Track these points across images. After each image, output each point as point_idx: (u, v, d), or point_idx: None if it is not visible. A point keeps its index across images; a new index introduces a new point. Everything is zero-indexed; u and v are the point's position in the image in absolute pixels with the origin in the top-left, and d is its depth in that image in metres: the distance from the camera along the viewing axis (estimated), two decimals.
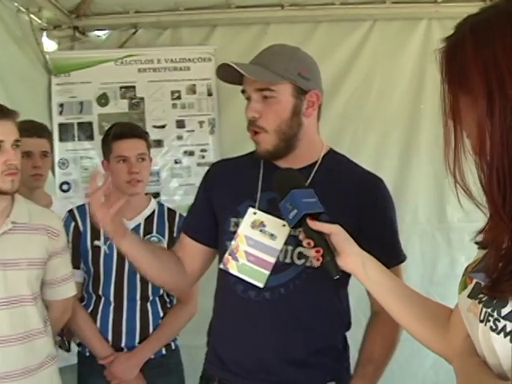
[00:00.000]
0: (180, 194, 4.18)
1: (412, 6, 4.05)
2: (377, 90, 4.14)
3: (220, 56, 4.16)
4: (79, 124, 4.21)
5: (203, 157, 4.21)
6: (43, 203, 2.76)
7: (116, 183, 2.72)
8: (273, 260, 1.89)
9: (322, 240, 1.59)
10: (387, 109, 4.12)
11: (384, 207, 1.99)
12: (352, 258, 1.59)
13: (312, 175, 1.95)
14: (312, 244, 1.59)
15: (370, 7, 4.08)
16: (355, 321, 2.10)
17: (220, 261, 2.04)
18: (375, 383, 1.99)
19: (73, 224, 2.72)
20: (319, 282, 1.72)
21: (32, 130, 2.83)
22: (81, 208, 2.80)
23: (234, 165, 2.15)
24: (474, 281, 1.16)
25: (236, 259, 1.94)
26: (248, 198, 1.97)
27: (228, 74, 1.91)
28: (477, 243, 1.18)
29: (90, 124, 4.21)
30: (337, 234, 1.61)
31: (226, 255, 1.96)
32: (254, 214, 1.93)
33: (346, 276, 1.73)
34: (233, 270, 1.94)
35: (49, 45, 4.30)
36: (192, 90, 4.23)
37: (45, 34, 4.26)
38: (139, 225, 2.76)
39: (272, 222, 1.87)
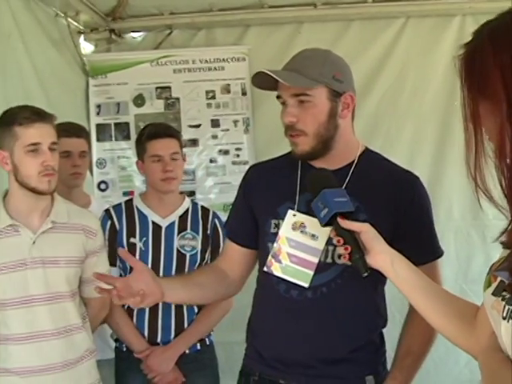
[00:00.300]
0: (215, 193, 4.23)
1: (445, 2, 4.04)
2: (410, 88, 4.14)
3: (254, 55, 4.24)
4: (116, 124, 4.30)
5: (238, 155, 4.26)
6: (82, 202, 2.84)
7: (151, 182, 2.80)
8: (316, 260, 1.92)
9: (351, 238, 1.64)
10: (421, 106, 4.12)
11: (421, 204, 2.01)
12: (381, 255, 1.63)
13: (349, 175, 1.98)
14: (342, 242, 1.64)
15: (403, 4, 4.08)
16: (390, 318, 2.14)
17: (261, 262, 2.09)
18: (413, 375, 2.02)
19: (109, 222, 2.79)
20: (359, 281, 1.74)
21: (71, 130, 2.92)
22: (117, 207, 2.87)
23: (272, 167, 2.18)
24: (498, 279, 1.19)
25: (279, 261, 1.97)
26: (287, 200, 2.00)
27: (263, 80, 1.94)
28: (501, 243, 1.20)
29: (126, 124, 4.29)
30: (366, 232, 1.65)
31: (269, 258, 1.99)
32: (294, 215, 1.96)
33: (382, 274, 1.76)
34: (277, 271, 1.98)
35: (86, 47, 4.40)
36: (226, 89, 4.28)
37: (82, 36, 4.36)
38: (173, 222, 2.82)
39: (312, 223, 1.89)
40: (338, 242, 1.65)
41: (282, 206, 2.00)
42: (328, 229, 1.77)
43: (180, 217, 2.84)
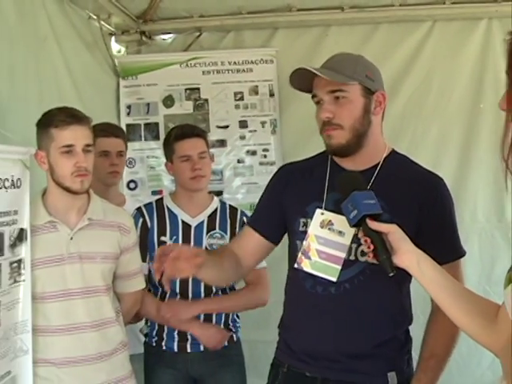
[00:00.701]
0: (242, 193, 4.31)
1: (472, 6, 4.06)
2: (436, 90, 4.19)
3: (281, 58, 4.31)
4: (146, 124, 4.40)
5: (265, 156, 4.33)
6: (117, 201, 2.94)
7: (181, 182, 2.89)
8: (343, 255, 2.00)
9: (379, 239, 1.70)
10: (447, 108, 4.16)
11: (444, 205, 2.07)
12: (407, 255, 1.69)
13: (374, 176, 2.05)
14: (369, 241, 1.71)
15: (430, 8, 4.11)
16: (414, 319, 2.19)
17: (290, 259, 2.17)
18: (438, 377, 2.06)
19: (141, 220, 2.87)
20: (382, 278, 1.80)
21: (109, 130, 3.01)
22: (148, 205, 2.94)
23: (301, 167, 2.25)
24: None
25: (309, 258, 2.05)
26: (315, 200, 2.08)
27: (299, 80, 2.03)
28: None
29: (156, 124, 4.39)
30: (393, 233, 1.71)
31: (299, 255, 2.07)
32: (322, 214, 2.04)
33: (407, 273, 1.82)
34: (306, 268, 2.05)
35: (117, 49, 4.50)
36: (254, 91, 4.36)
37: (113, 38, 4.46)
38: (203, 222, 2.89)
39: (339, 221, 1.96)
40: (366, 241, 1.72)
41: (311, 206, 2.08)
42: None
43: (209, 216, 2.91)
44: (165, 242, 2.84)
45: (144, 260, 2.78)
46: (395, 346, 2.09)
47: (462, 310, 1.60)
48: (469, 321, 1.58)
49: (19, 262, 2.19)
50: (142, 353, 3.04)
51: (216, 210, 2.95)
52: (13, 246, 2.15)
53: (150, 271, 2.84)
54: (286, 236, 2.25)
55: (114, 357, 2.42)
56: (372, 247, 1.71)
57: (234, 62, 4.37)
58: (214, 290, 2.87)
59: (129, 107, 4.39)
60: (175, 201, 2.93)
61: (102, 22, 4.16)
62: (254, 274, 2.82)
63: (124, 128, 4.22)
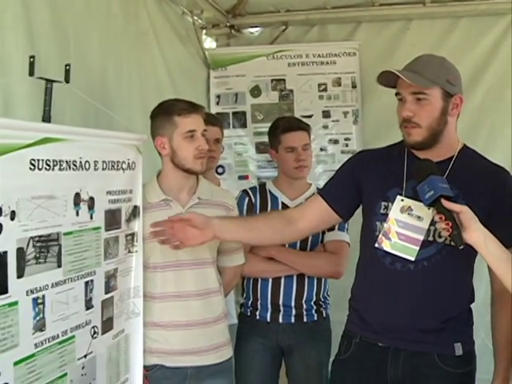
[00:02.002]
0: (324, 179, 4.43)
1: None
2: None
3: (364, 51, 4.48)
4: (234, 113, 4.65)
5: (347, 145, 4.52)
6: (214, 184, 3.16)
7: (284, 170, 3.13)
8: (421, 237, 2.20)
9: (451, 217, 1.94)
10: None
11: (511, 194, 2.25)
12: (476, 233, 1.92)
13: (450, 167, 2.24)
14: (443, 218, 1.94)
15: (511, 1, 4.15)
16: None
17: (366, 237, 2.39)
18: None
19: (247, 199, 3.14)
20: (456, 258, 2.01)
21: (207, 119, 3.23)
22: (252, 188, 3.23)
23: (381, 155, 2.45)
24: None
25: (389, 239, 2.26)
26: (396, 186, 2.28)
27: (386, 77, 2.23)
28: None
29: (243, 113, 4.63)
30: (465, 212, 1.94)
31: (380, 236, 2.28)
32: (402, 200, 2.24)
33: (474, 252, 2.02)
34: (386, 247, 2.26)
35: (208, 42, 4.77)
36: (337, 82, 4.54)
37: (205, 32, 4.73)
38: (301, 204, 3.06)
39: (418, 207, 2.17)
40: (440, 218, 1.95)
41: (392, 191, 2.28)
42: (431, 211, 2.06)
43: (306, 199, 3.10)
44: None
45: None
46: (461, 320, 2.30)
47: None
48: None
49: (133, 235, 2.46)
50: (235, 324, 3.29)
51: (313, 194, 3.11)
52: (128, 220, 2.42)
53: None
54: None
55: (216, 325, 2.64)
56: (447, 223, 1.92)
57: (319, 55, 4.55)
58: None
59: (218, 97, 4.64)
60: (277, 185, 3.17)
61: (195, 17, 4.42)
62: (334, 244, 3.04)
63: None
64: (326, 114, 4.55)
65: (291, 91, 4.58)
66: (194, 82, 4.56)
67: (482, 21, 4.32)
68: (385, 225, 2.25)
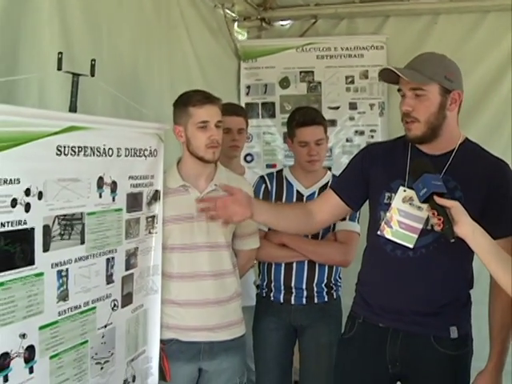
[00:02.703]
0: None
1: None
2: None
3: (391, 44, 4.59)
4: (263, 104, 4.83)
5: (372, 136, 4.65)
6: (238, 171, 3.32)
7: (298, 161, 3.27)
8: (420, 226, 2.33)
9: (443, 212, 2.06)
10: None
11: (508, 187, 2.36)
12: (466, 226, 2.05)
13: (450, 160, 2.37)
14: (436, 214, 2.07)
15: None
16: None
17: (371, 225, 2.54)
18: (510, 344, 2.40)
19: (263, 186, 3.28)
20: (453, 246, 2.14)
21: (230, 110, 3.36)
22: (270, 175, 3.36)
23: (386, 148, 2.60)
24: None
25: (391, 227, 2.39)
26: (399, 177, 2.42)
27: (389, 75, 2.36)
28: None
29: (272, 104, 4.81)
30: (456, 207, 2.07)
31: (383, 224, 2.41)
32: (404, 191, 2.37)
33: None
34: (388, 235, 2.39)
35: (239, 34, 4.94)
36: (365, 75, 4.68)
37: (236, 24, 4.89)
38: (314, 192, 3.22)
39: None
40: (433, 214, 2.09)
41: (395, 182, 2.42)
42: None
43: (320, 188, 3.24)
44: None
45: None
46: (458, 306, 2.43)
47: (506, 274, 1.96)
48: (509, 283, 1.93)
49: (153, 217, 2.64)
50: (252, 306, 3.44)
51: (327, 183, 3.26)
52: (149, 203, 2.60)
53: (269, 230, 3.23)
54: None
55: (229, 304, 2.80)
56: (439, 219, 2.06)
57: (347, 48, 4.69)
58: None
59: (248, 87, 4.83)
60: (293, 173, 3.30)
61: (226, 10, 4.60)
62: (345, 234, 3.17)
63: (243, 106, 4.64)
64: (353, 106, 4.69)
65: (319, 83, 4.74)
66: (225, 73, 4.73)
67: (509, 15, 4.29)
68: (387, 213, 2.39)
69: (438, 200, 2.08)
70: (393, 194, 2.41)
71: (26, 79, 2.35)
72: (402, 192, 2.37)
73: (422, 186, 2.13)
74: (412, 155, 2.42)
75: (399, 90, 2.40)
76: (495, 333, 2.40)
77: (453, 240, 2.05)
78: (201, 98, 2.69)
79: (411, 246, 2.33)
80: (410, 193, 2.34)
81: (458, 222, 2.05)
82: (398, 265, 2.40)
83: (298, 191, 3.25)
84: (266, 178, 3.33)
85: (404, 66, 2.42)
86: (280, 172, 3.36)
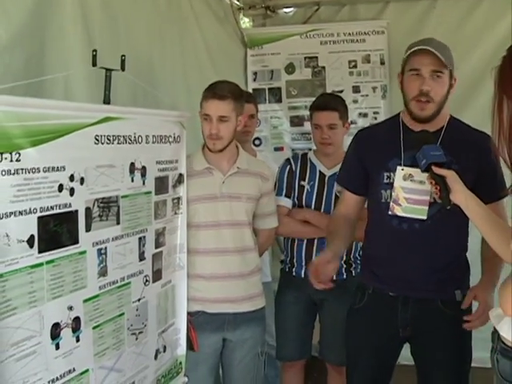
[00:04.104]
0: None
1: None
2: None
3: (392, 29, 4.74)
4: (270, 89, 4.99)
5: (375, 118, 4.80)
6: (250, 155, 3.48)
7: (315, 143, 3.49)
8: (427, 198, 2.52)
9: (441, 181, 2.26)
10: None
11: (494, 157, 2.57)
12: (459, 194, 2.23)
13: (441, 136, 2.58)
14: (434, 183, 2.28)
15: None
16: None
17: (373, 204, 2.72)
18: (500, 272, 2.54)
19: (288, 167, 3.49)
20: (454, 215, 2.33)
21: None
22: (295, 157, 3.60)
23: (378, 130, 2.81)
24: None
25: (399, 205, 2.57)
26: (395, 156, 2.60)
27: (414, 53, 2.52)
28: None
29: (278, 89, 4.97)
30: (451, 176, 2.26)
31: (391, 203, 2.58)
32: (402, 170, 2.55)
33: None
34: (399, 212, 2.57)
35: (245, 22, 5.10)
36: (367, 59, 4.83)
37: (241, 13, 5.04)
38: (335, 173, 3.30)
39: (418, 173, 2.49)
40: (431, 183, 2.30)
41: (392, 161, 2.60)
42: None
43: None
44: (303, 186, 3.44)
45: (288, 196, 3.43)
46: (460, 270, 2.67)
47: (494, 234, 2.15)
48: (496, 242, 2.12)
49: (178, 198, 2.83)
50: (269, 281, 3.71)
51: None
52: (174, 186, 2.80)
53: (294, 205, 3.45)
54: None
55: (250, 277, 2.99)
56: (436, 187, 2.27)
57: (349, 33, 4.84)
58: None
59: (255, 74, 4.99)
60: (316, 155, 3.50)
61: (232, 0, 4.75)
62: (364, 211, 3.23)
63: (251, 92, 4.81)
64: (356, 89, 4.85)
65: (323, 68, 4.89)
66: (233, 60, 4.90)
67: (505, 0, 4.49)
68: (393, 193, 2.56)
69: (435, 169, 2.27)
70: (392, 174, 2.59)
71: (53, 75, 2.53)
72: (401, 171, 2.55)
73: (422, 157, 2.32)
74: (404, 134, 2.61)
75: (413, 70, 2.53)
76: (489, 260, 2.58)
77: (449, 207, 2.25)
78: (209, 93, 2.86)
79: (424, 217, 2.52)
80: (408, 170, 2.53)
81: (453, 190, 2.23)
82: (405, 237, 2.58)
83: (320, 171, 3.44)
84: (291, 159, 3.55)
85: (420, 36, 2.63)
86: (305, 155, 3.57)
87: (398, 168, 2.56)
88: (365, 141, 2.77)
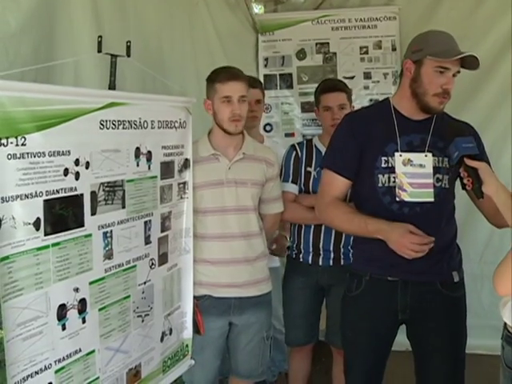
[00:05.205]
0: None
1: None
2: None
3: (403, 15, 4.73)
4: (281, 75, 4.99)
5: None
6: (258, 140, 3.47)
7: (325, 127, 3.50)
8: (430, 180, 2.57)
9: (473, 172, 2.34)
10: None
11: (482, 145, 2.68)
12: (491, 186, 2.31)
13: (433, 124, 2.61)
14: (466, 175, 2.36)
15: None
16: None
17: (369, 189, 2.65)
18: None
19: (294, 153, 3.49)
20: (450, 198, 2.44)
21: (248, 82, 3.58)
22: (300, 143, 3.59)
23: (370, 115, 2.78)
24: None
25: (405, 190, 2.59)
26: (391, 141, 2.61)
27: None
28: None
29: (289, 75, 4.97)
30: (484, 168, 2.34)
31: (397, 190, 2.59)
32: (400, 156, 2.58)
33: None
34: (406, 198, 2.59)
35: (256, 8, 5.10)
36: (378, 45, 4.82)
37: None
38: None
39: (416, 157, 2.54)
40: (464, 175, 2.38)
41: (388, 146, 2.61)
42: (430, 157, 2.51)
43: None
44: (310, 172, 3.44)
45: (295, 182, 3.44)
46: (455, 252, 2.71)
47: None
48: None
49: (184, 183, 2.87)
50: (277, 267, 3.74)
51: None
52: (180, 171, 2.83)
53: (300, 191, 3.44)
54: None
55: (256, 262, 3.02)
56: (468, 179, 2.34)
57: (360, 19, 4.83)
58: None
59: (266, 59, 4.99)
60: (321, 140, 3.50)
61: None
62: None
63: (262, 78, 4.82)
64: (367, 76, 4.85)
65: (334, 54, 4.89)
66: (244, 46, 4.92)
67: None
68: (397, 180, 2.58)
69: (468, 161, 2.34)
70: (389, 158, 2.60)
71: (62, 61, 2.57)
72: (399, 157, 2.58)
73: (455, 150, 2.39)
74: (398, 120, 2.63)
75: (442, 67, 2.52)
76: None
77: (481, 199, 2.33)
78: (226, 74, 2.88)
79: (432, 199, 2.57)
80: (406, 155, 2.57)
81: (485, 182, 2.31)
82: (406, 222, 2.55)
83: None
84: (296, 146, 3.55)
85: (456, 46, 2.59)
86: (310, 141, 3.58)
87: (396, 154, 2.58)
88: (362, 125, 2.72)
